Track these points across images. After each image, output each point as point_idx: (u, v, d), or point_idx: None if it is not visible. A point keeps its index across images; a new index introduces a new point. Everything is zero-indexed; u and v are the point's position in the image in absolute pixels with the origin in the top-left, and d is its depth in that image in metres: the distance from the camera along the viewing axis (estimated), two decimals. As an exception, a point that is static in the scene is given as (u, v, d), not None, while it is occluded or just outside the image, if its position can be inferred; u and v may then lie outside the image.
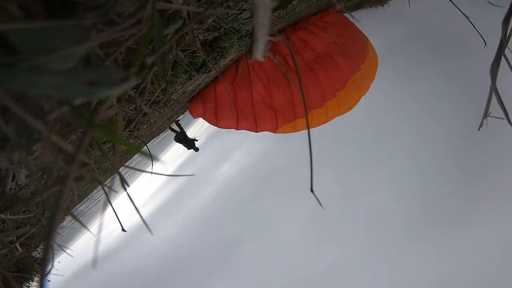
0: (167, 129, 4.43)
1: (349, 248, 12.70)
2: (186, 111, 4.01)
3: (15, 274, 2.38)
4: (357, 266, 12.33)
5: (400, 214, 11.96)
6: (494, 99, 0.48)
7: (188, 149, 4.47)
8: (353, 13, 8.70)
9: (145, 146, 2.84)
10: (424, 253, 11.19)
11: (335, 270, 12.70)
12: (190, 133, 4.48)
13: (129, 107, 1.38)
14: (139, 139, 2.64)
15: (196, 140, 4.43)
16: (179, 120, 4.43)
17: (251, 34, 0.34)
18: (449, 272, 10.53)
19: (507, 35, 0.45)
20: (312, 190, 0.38)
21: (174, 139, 4.43)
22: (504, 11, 0.44)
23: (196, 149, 4.46)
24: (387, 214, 12.18)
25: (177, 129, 4.32)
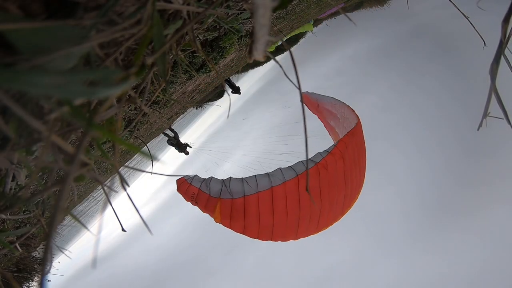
0: (165, 130, 4.59)
1: (357, 245, 12.65)
2: (185, 111, 4.06)
3: (15, 274, 2.37)
4: (365, 263, 12.32)
5: (407, 209, 11.96)
6: (493, 99, 0.48)
7: (179, 152, 4.80)
8: (353, 13, 8.71)
9: (145, 146, 2.84)
10: (432, 250, 11.19)
11: (342, 268, 12.69)
12: (186, 138, 4.73)
13: (129, 107, 1.38)
14: (139, 139, 2.64)
15: (190, 147, 4.71)
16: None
17: (251, 34, 0.34)
18: (454, 270, 10.54)
19: (507, 35, 0.45)
20: (307, 190, 0.39)
21: (167, 142, 4.75)
22: (504, 11, 0.44)
23: (187, 153, 4.79)
24: (394, 209, 12.18)
25: (171, 134, 4.59)
